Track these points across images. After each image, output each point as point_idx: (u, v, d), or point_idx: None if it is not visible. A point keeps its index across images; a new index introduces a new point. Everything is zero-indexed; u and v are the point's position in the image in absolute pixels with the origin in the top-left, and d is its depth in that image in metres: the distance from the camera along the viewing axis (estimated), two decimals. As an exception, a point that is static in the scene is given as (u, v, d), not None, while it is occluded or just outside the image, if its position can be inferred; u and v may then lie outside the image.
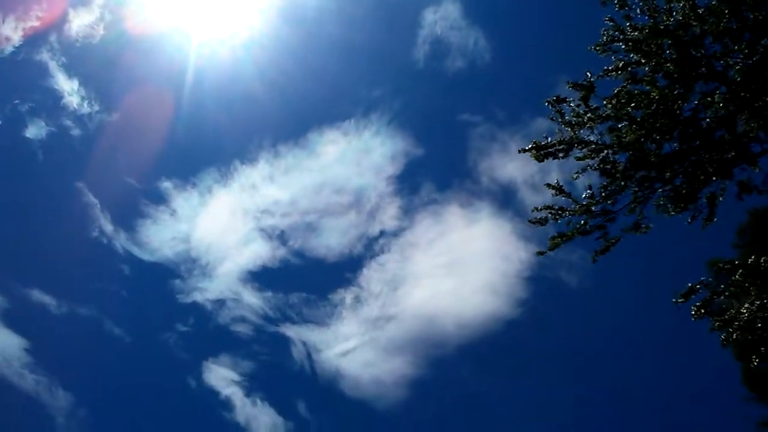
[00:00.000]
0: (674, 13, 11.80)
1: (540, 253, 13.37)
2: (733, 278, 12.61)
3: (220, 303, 39.89)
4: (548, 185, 12.87)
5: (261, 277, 40.55)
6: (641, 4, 12.03)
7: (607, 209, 12.73)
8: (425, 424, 37.81)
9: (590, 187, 12.80)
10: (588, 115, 12.30)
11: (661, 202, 12.65)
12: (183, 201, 41.08)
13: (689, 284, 12.92)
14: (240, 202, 42.34)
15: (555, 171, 13.22)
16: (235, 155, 43.12)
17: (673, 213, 12.60)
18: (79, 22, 37.11)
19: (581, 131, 12.44)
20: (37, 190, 42.63)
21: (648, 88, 11.82)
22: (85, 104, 38.85)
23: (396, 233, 40.78)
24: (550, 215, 12.92)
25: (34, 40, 37.73)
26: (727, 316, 12.54)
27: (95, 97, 39.17)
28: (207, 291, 40.16)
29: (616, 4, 12.23)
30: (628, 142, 12.03)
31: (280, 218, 41.86)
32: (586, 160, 12.67)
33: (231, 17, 41.55)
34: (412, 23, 37.90)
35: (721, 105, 11.63)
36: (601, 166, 12.50)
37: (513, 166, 37.35)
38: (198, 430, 39.46)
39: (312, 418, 37.84)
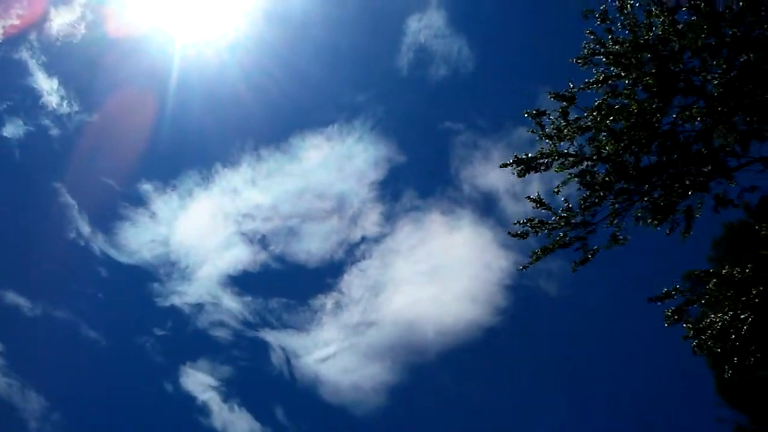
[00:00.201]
0: (654, 28, 11.98)
1: (523, 268, 13.51)
2: (708, 288, 12.81)
3: (199, 307, 39.60)
4: (529, 198, 13.00)
5: (241, 282, 40.38)
6: (622, 18, 12.20)
7: (587, 221, 12.87)
8: (404, 430, 37.81)
9: (567, 200, 12.97)
10: (567, 128, 12.43)
11: (640, 214, 12.83)
12: (163, 204, 40.77)
13: (665, 289, 13.14)
14: (221, 205, 42.14)
15: (536, 181, 13.36)
16: (216, 158, 42.87)
17: (651, 225, 12.78)
18: (60, 21, 36.74)
19: (561, 144, 12.57)
20: (14, 190, 42.02)
21: (627, 101, 11.98)
22: (65, 104, 38.44)
23: (377, 239, 40.86)
24: (530, 228, 13.02)
25: (14, 38, 37.27)
26: (701, 325, 12.74)
27: (75, 97, 38.78)
28: (186, 295, 39.86)
29: (598, 17, 12.39)
30: (607, 155, 12.18)
31: (262, 222, 41.74)
32: (565, 170, 12.80)
33: (215, 19, 41.46)
34: (396, 30, 38.11)
35: (698, 119, 11.82)
36: (581, 178, 12.64)
37: (495, 174, 37.63)
38: (174, 435, 39.01)
39: (290, 425, 37.68)
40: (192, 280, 40.35)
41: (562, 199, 12.99)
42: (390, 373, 37.88)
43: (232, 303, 39.50)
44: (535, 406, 36.18)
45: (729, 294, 12.26)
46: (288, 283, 42.05)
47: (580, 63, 12.66)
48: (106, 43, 38.08)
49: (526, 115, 12.71)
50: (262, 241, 41.02)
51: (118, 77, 39.09)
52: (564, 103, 12.70)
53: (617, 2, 12.12)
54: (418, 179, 41.62)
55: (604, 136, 12.44)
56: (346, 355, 39.23)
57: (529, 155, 12.70)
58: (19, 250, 40.82)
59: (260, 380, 40.28)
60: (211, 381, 37.73)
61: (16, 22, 36.36)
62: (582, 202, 12.70)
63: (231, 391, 37.84)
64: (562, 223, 12.80)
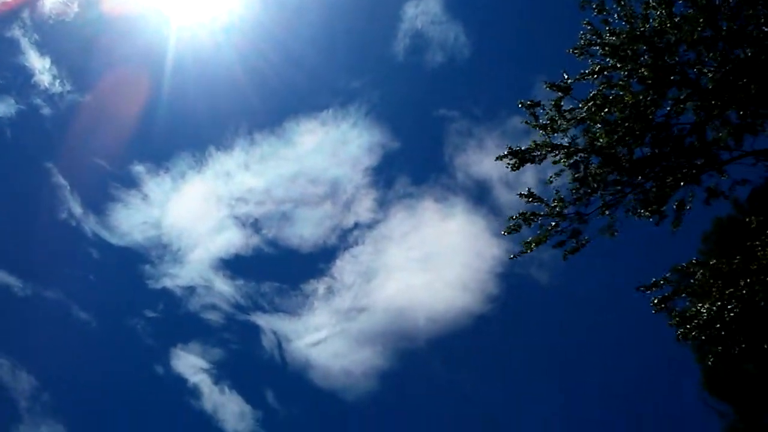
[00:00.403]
0: (651, 20, 12.02)
1: (514, 257, 13.61)
2: (695, 278, 12.96)
3: (191, 290, 39.51)
4: (521, 195, 13.06)
5: (233, 265, 40.27)
6: (619, 9, 12.22)
7: (580, 212, 12.98)
8: (393, 415, 38.10)
9: (558, 191, 13.05)
10: (561, 119, 12.50)
11: (631, 206, 12.94)
12: (155, 186, 40.50)
13: (654, 279, 13.29)
14: (214, 188, 41.92)
15: (530, 170, 13.40)
16: (210, 141, 42.50)
17: (642, 216, 12.89)
18: (52, -1, 36.26)
19: (555, 135, 12.64)
20: (5, 170, 41.66)
21: (622, 92, 12.03)
22: (57, 83, 37.99)
23: (370, 225, 40.84)
24: (522, 221, 13.12)
25: (6, 16, 36.78)
26: (687, 314, 12.89)
27: (68, 76, 38.33)
28: (177, 277, 39.73)
29: (595, 8, 12.41)
30: (600, 146, 12.26)
31: (255, 206, 41.57)
32: (561, 163, 12.88)
33: (211, 1, 41.03)
34: (393, 16, 37.84)
35: (693, 111, 11.90)
36: (574, 170, 12.72)
37: (489, 162, 37.68)
38: (165, 416, 39.13)
39: (280, 408, 37.85)
40: (184, 262, 40.28)
41: (554, 190, 13.08)
42: (380, 359, 38.10)
43: (224, 286, 39.49)
44: (525, 394, 36.54)
45: (717, 284, 12.40)
46: (280, 268, 42.02)
47: (576, 53, 12.70)
48: (100, 23, 37.64)
49: (520, 106, 12.77)
50: (254, 225, 40.94)
51: (112, 57, 38.72)
52: (559, 93, 12.76)
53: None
54: (412, 166, 41.56)
55: (598, 127, 12.51)
56: (337, 340, 39.40)
57: (523, 147, 12.77)
58: (10, 230, 40.61)
59: (251, 364, 40.37)
60: (202, 363, 37.82)
61: (9, -1, 35.94)
62: (574, 192, 12.79)
63: (222, 373, 37.94)
64: (554, 213, 12.89)
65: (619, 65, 12.12)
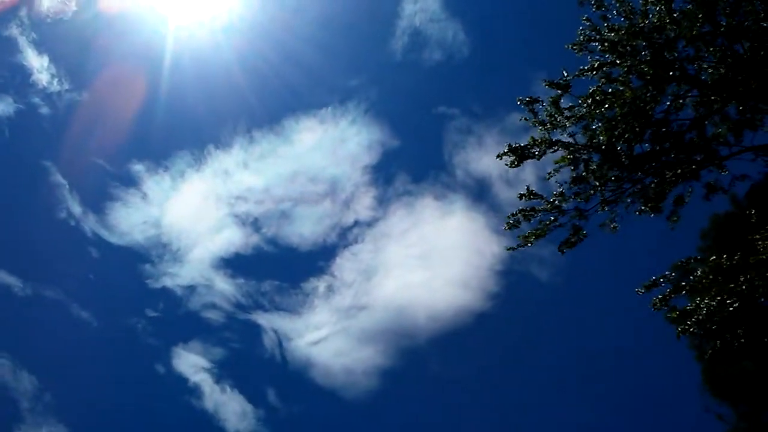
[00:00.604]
0: (650, 16, 12.02)
1: (510, 249, 13.62)
2: (695, 275, 12.98)
3: (191, 289, 39.53)
4: (520, 195, 13.04)
5: (233, 264, 40.30)
6: (618, 5, 12.22)
7: (580, 208, 12.99)
8: (394, 413, 38.13)
9: (560, 186, 13.06)
10: (560, 117, 12.51)
11: (630, 201, 12.94)
12: (154, 184, 40.49)
13: (653, 277, 13.30)
14: (213, 187, 41.92)
15: (529, 166, 13.40)
16: (209, 140, 42.51)
17: (642, 212, 12.90)
18: (50, -3, 36.19)
19: (554, 131, 12.66)
20: (4, 169, 41.64)
21: (622, 88, 12.04)
22: (55, 82, 37.96)
23: (370, 223, 40.86)
24: (522, 217, 13.13)
25: (3, 14, 36.74)
26: (687, 310, 12.89)
27: (66, 75, 38.26)
28: (178, 276, 39.76)
29: (593, 3, 12.40)
30: (600, 143, 12.27)
31: (254, 205, 41.59)
32: (561, 163, 12.89)
33: (210, 0, 40.98)
34: (391, 13, 37.85)
35: (692, 107, 11.91)
36: (573, 168, 12.72)
37: (488, 159, 37.66)
38: (166, 416, 39.19)
39: (282, 406, 37.88)
40: (184, 261, 40.30)
41: (556, 183, 13.08)
42: (381, 357, 38.13)
43: (224, 285, 39.52)
44: (525, 392, 36.60)
45: (717, 280, 12.41)
46: (280, 266, 42.04)
47: (575, 49, 12.70)
48: (98, 22, 37.63)
49: (519, 103, 12.77)
50: (254, 224, 40.96)
51: (110, 56, 38.67)
52: (558, 91, 12.77)
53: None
54: (412, 164, 41.60)
55: (597, 125, 12.52)
56: (338, 339, 39.44)
57: (522, 144, 12.77)
58: (10, 230, 40.60)
59: (252, 362, 40.41)
60: (203, 363, 37.85)
61: (6, -1, 35.88)
62: (572, 185, 12.81)
63: (223, 372, 37.97)
64: (554, 207, 12.91)
65: (618, 61, 12.12)
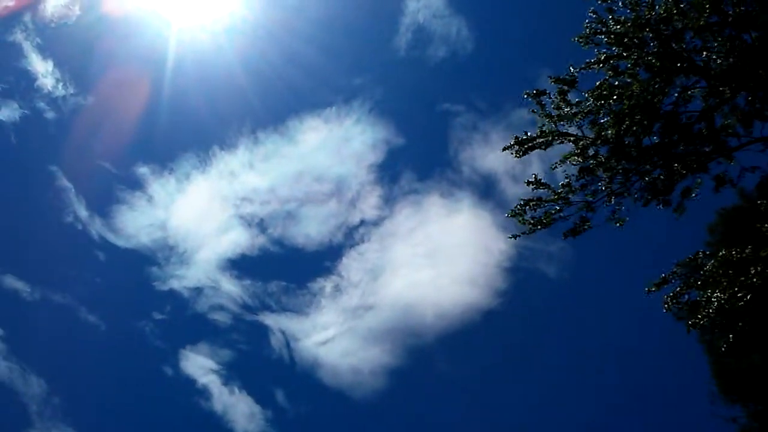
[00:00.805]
0: (656, 7, 11.91)
1: (513, 237, 13.52)
2: (705, 269, 12.87)
3: (198, 291, 39.53)
4: (528, 182, 12.99)
5: (240, 265, 40.27)
6: (624, -3, 12.13)
7: (587, 201, 12.90)
8: (403, 413, 38.06)
9: (567, 177, 12.96)
10: (568, 109, 12.42)
11: (638, 194, 12.84)
12: (160, 187, 40.52)
13: (662, 275, 13.20)
14: (219, 188, 41.92)
15: (535, 162, 13.36)
16: (214, 141, 42.53)
17: (649, 203, 12.80)
18: (54, 3, 36.21)
19: (561, 124, 12.57)
20: (10, 174, 41.74)
21: (630, 80, 11.93)
22: (60, 86, 38.04)
23: (376, 222, 40.77)
24: (528, 208, 13.06)
25: (8, 20, 36.85)
26: (698, 302, 12.78)
27: (70, 79, 38.33)
28: (184, 278, 39.76)
29: (599, -4, 12.32)
30: (608, 136, 12.17)
31: (260, 206, 41.55)
32: (569, 156, 12.81)
33: (212, 3, 41.01)
34: (394, 11, 37.74)
35: (701, 99, 11.80)
36: (581, 159, 12.63)
37: (494, 156, 37.45)
38: (174, 418, 39.22)
39: (290, 407, 37.84)
40: (190, 263, 40.30)
41: (564, 174, 12.99)
42: (389, 356, 38.03)
43: (231, 286, 39.49)
44: (534, 389, 36.46)
45: (727, 273, 12.29)
46: (287, 267, 42.00)
47: (581, 42, 12.62)
48: (102, 25, 37.70)
49: (526, 96, 12.69)
50: (260, 225, 40.93)
51: (114, 60, 38.71)
52: (565, 87, 12.68)
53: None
54: (417, 162, 41.41)
55: (605, 119, 12.43)
56: (345, 339, 39.37)
57: (530, 134, 12.69)
58: (17, 234, 40.70)
59: (260, 363, 40.36)
60: (211, 364, 37.83)
61: (10, 3, 36.00)
62: (579, 177, 12.72)
63: (231, 374, 37.94)
64: (560, 197, 12.83)
65: (625, 53, 12.02)
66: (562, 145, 12.83)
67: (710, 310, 12.51)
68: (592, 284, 37.97)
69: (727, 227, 21.66)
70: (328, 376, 38.47)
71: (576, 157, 12.64)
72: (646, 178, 12.68)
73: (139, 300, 40.87)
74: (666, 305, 13.17)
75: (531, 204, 12.96)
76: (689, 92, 12.07)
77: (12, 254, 40.14)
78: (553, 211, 12.95)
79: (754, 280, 12.01)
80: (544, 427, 35.64)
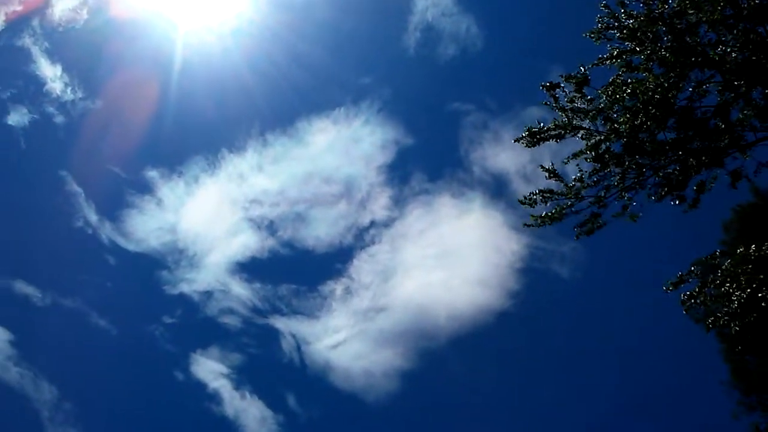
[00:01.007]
0: (670, 1, 11.75)
1: (527, 225, 13.34)
2: (723, 267, 12.64)
3: (208, 294, 39.56)
4: (542, 167, 12.86)
5: (249, 268, 40.26)
6: (636, -10, 11.94)
7: (600, 196, 12.72)
8: (416, 416, 37.85)
9: (580, 170, 12.81)
10: (582, 103, 12.24)
11: (651, 189, 12.65)
12: (169, 190, 40.61)
13: (679, 273, 12.98)
14: (228, 191, 41.95)
15: (547, 161, 13.15)
16: (222, 144, 42.79)
17: (661, 198, 12.60)
18: (62, 7, 36.48)
19: (575, 118, 12.39)
20: (20, 179, 41.97)
21: (644, 75, 11.73)
22: (69, 91, 38.22)
23: (386, 224, 40.63)
24: (540, 198, 12.88)
25: (16, 25, 37.08)
26: (718, 293, 12.53)
27: (79, 83, 38.51)
28: (194, 282, 39.81)
29: (611, -10, 12.14)
30: (622, 131, 11.97)
31: (269, 208, 41.53)
32: (584, 153, 12.63)
33: (218, 5, 41.09)
34: (403, 9, 37.65)
35: (716, 93, 11.60)
36: (594, 153, 12.43)
37: (505, 155, 37.27)
38: (186, 423, 39.19)
39: (302, 411, 37.73)
40: (200, 267, 40.34)
41: (575, 172, 12.83)
42: (401, 359, 37.86)
43: (241, 290, 39.47)
44: (548, 391, 36.15)
45: (746, 271, 12.06)
46: (297, 269, 41.94)
47: (593, 37, 12.47)
48: (109, 29, 37.91)
49: (541, 88, 12.54)
50: (270, 227, 40.90)
51: (122, 63, 38.87)
52: (577, 85, 12.52)
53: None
54: (427, 162, 41.26)
55: (618, 114, 12.24)
56: (357, 341, 39.23)
57: (542, 125, 12.54)
58: (27, 240, 40.87)
59: (271, 367, 40.32)
60: (221, 368, 37.81)
61: (18, 8, 36.19)
62: (593, 172, 12.54)
63: (242, 378, 37.91)
64: (572, 193, 12.66)
65: (638, 48, 11.86)
66: (574, 139, 12.65)
67: (729, 309, 12.29)
68: (606, 285, 37.68)
69: (743, 224, 21.39)
70: (340, 379, 38.38)
71: (589, 151, 12.44)
72: (660, 174, 12.48)
73: (150, 304, 40.99)
74: (683, 304, 12.95)
75: (543, 195, 12.78)
76: (704, 87, 11.86)
77: (22, 259, 40.36)
78: (564, 206, 12.77)
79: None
80: (557, 429, 35.39)
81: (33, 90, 38.43)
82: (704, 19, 11.58)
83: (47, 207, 41.57)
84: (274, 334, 39.52)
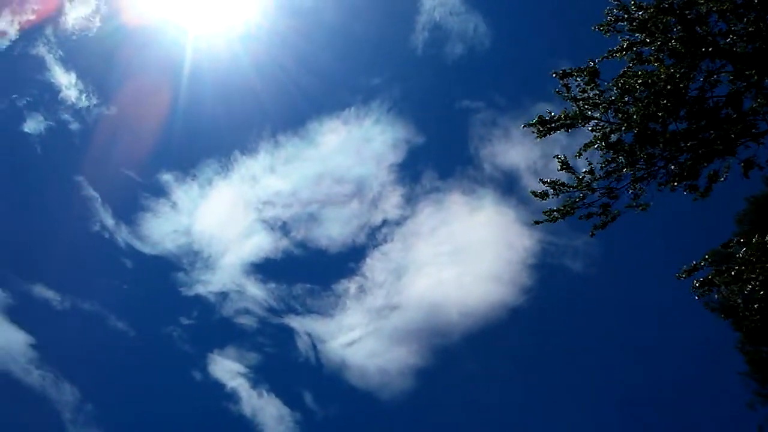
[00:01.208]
0: (679, -9, 11.77)
1: (537, 222, 13.41)
2: (738, 255, 12.64)
3: (224, 295, 39.95)
4: (556, 157, 12.89)
5: (264, 269, 40.63)
6: (646, -18, 11.98)
7: (611, 187, 12.76)
8: (431, 413, 37.97)
9: (590, 163, 12.84)
10: (594, 93, 12.28)
11: (663, 180, 12.67)
12: (183, 193, 41.07)
13: (693, 261, 12.98)
14: (241, 193, 42.34)
15: (559, 154, 13.19)
16: (234, 146, 43.07)
17: (674, 188, 12.61)
18: (75, 15, 36.97)
19: (586, 108, 12.44)
20: (37, 185, 42.61)
21: (655, 66, 11.78)
22: (83, 98, 38.79)
23: (398, 222, 40.82)
24: (551, 190, 12.94)
25: (30, 33, 37.62)
26: (733, 275, 12.51)
27: (93, 90, 39.09)
28: (210, 283, 40.23)
29: (620, -18, 12.18)
30: (634, 121, 12.01)
31: (282, 209, 41.87)
32: (594, 144, 12.66)
33: (227, 11, 41.42)
34: (410, 9, 37.83)
35: (728, 81, 11.61)
36: (605, 143, 12.46)
37: (515, 152, 37.35)
38: (205, 422, 39.59)
39: (318, 409, 38.01)
40: (215, 268, 40.75)
41: (586, 165, 12.85)
42: (416, 356, 38.02)
43: (256, 290, 39.85)
44: (562, 387, 36.12)
45: (761, 259, 12.06)
46: (311, 269, 42.25)
47: (602, 30, 12.51)
48: (121, 36, 38.34)
49: (553, 75, 12.57)
50: (283, 228, 41.24)
51: (134, 69, 39.32)
52: (586, 77, 12.56)
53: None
54: (438, 160, 41.42)
55: (629, 105, 12.27)
56: (371, 339, 39.45)
57: (553, 115, 12.58)
58: (46, 245, 41.51)
59: (287, 366, 40.66)
60: (239, 368, 38.20)
61: (32, 17, 36.70)
62: (604, 164, 12.57)
63: (259, 377, 38.27)
64: (584, 186, 12.70)
65: (648, 40, 11.88)
66: (584, 135, 12.71)
67: (745, 298, 12.32)
68: (619, 279, 37.59)
69: (757, 215, 21.31)
70: (356, 377, 38.59)
71: (600, 142, 12.49)
72: (672, 165, 12.51)
73: (167, 306, 41.47)
74: (695, 290, 12.95)
75: (555, 186, 12.83)
76: (715, 76, 11.88)
77: (42, 264, 40.98)
78: (576, 199, 12.82)
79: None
80: (573, 423, 35.34)
81: (48, 97, 39.04)
82: (714, 8, 11.62)
83: (65, 212, 42.20)
84: (290, 333, 39.88)
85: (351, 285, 40.16)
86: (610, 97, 12.47)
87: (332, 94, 41.36)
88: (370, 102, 39.98)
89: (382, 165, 40.62)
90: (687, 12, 11.69)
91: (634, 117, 12.14)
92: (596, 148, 12.73)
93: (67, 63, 38.19)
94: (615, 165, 12.61)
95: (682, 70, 11.73)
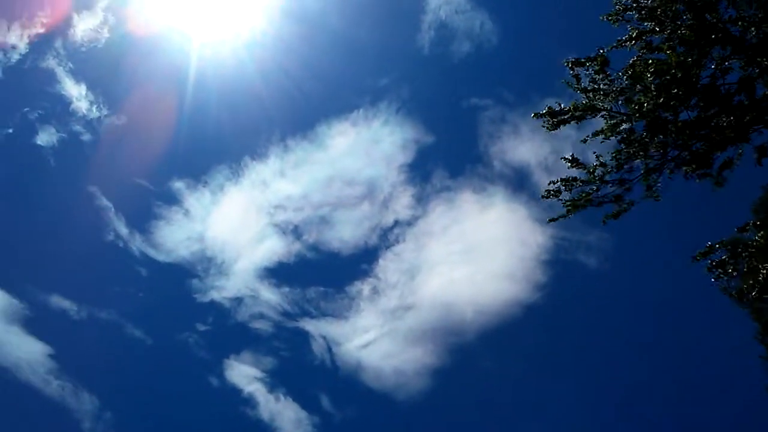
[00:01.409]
0: (688, -21, 11.72)
1: (552, 220, 13.38)
2: (754, 240, 12.57)
3: (238, 301, 40.10)
4: (564, 158, 12.86)
5: (277, 273, 40.73)
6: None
7: (624, 178, 12.72)
8: (447, 412, 37.88)
9: (599, 157, 12.75)
10: (604, 83, 12.24)
11: (675, 166, 12.61)
12: (195, 200, 41.30)
13: (708, 243, 12.90)
14: (252, 198, 42.50)
15: (569, 151, 13.17)
16: (244, 152, 43.26)
17: (687, 176, 12.55)
18: (83, 26, 37.37)
19: (597, 99, 12.40)
20: (51, 197, 43.00)
21: (666, 54, 11.73)
22: (94, 108, 39.15)
23: (410, 222, 40.80)
24: (563, 186, 12.90)
25: (39, 46, 38.03)
26: (746, 270, 12.47)
27: (103, 100, 39.45)
28: (224, 289, 40.38)
29: (628, -28, 12.16)
30: (645, 110, 11.96)
31: (293, 213, 41.98)
32: (604, 133, 12.61)
33: (231, 19, 41.67)
34: (416, 9, 37.87)
35: (739, 68, 11.55)
36: (616, 133, 12.41)
37: (525, 148, 37.24)
38: (223, 428, 39.73)
39: (335, 412, 38.02)
40: (229, 274, 40.92)
41: (595, 155, 12.78)
42: (431, 356, 37.95)
43: (270, 295, 39.96)
44: (578, 383, 35.93)
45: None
46: (324, 272, 42.30)
47: (611, 20, 12.48)
48: (129, 45, 38.69)
49: (564, 63, 12.52)
50: (295, 232, 41.36)
51: (143, 79, 39.63)
52: (597, 66, 12.53)
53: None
54: (448, 159, 41.35)
55: (640, 94, 12.22)
56: (386, 340, 39.42)
57: (563, 106, 12.54)
58: (62, 255, 41.82)
59: (304, 369, 40.70)
60: (255, 373, 38.30)
61: (41, 29, 37.11)
62: (616, 154, 12.50)
63: (276, 381, 38.35)
64: (596, 178, 12.65)
65: (658, 28, 11.83)
66: (594, 123, 12.67)
67: (759, 279, 12.23)
68: (634, 273, 37.35)
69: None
70: (372, 379, 38.59)
71: (609, 132, 12.44)
72: (684, 153, 12.44)
73: (182, 313, 41.67)
74: (711, 270, 12.87)
75: (566, 183, 12.80)
76: (726, 63, 11.81)
77: (58, 274, 41.33)
78: (590, 191, 12.77)
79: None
80: (589, 420, 35.13)
81: (60, 109, 39.46)
82: (724, -5, 11.58)
83: (79, 222, 42.53)
84: (305, 337, 39.93)
85: (364, 287, 40.21)
86: (620, 86, 12.42)
87: (340, 97, 41.50)
88: (378, 103, 40.06)
89: (392, 166, 40.67)
90: (696, -1, 11.65)
91: (645, 106, 12.08)
92: (606, 136, 12.64)
93: (77, 74, 38.62)
94: (627, 155, 12.55)
95: (693, 58, 11.67)
